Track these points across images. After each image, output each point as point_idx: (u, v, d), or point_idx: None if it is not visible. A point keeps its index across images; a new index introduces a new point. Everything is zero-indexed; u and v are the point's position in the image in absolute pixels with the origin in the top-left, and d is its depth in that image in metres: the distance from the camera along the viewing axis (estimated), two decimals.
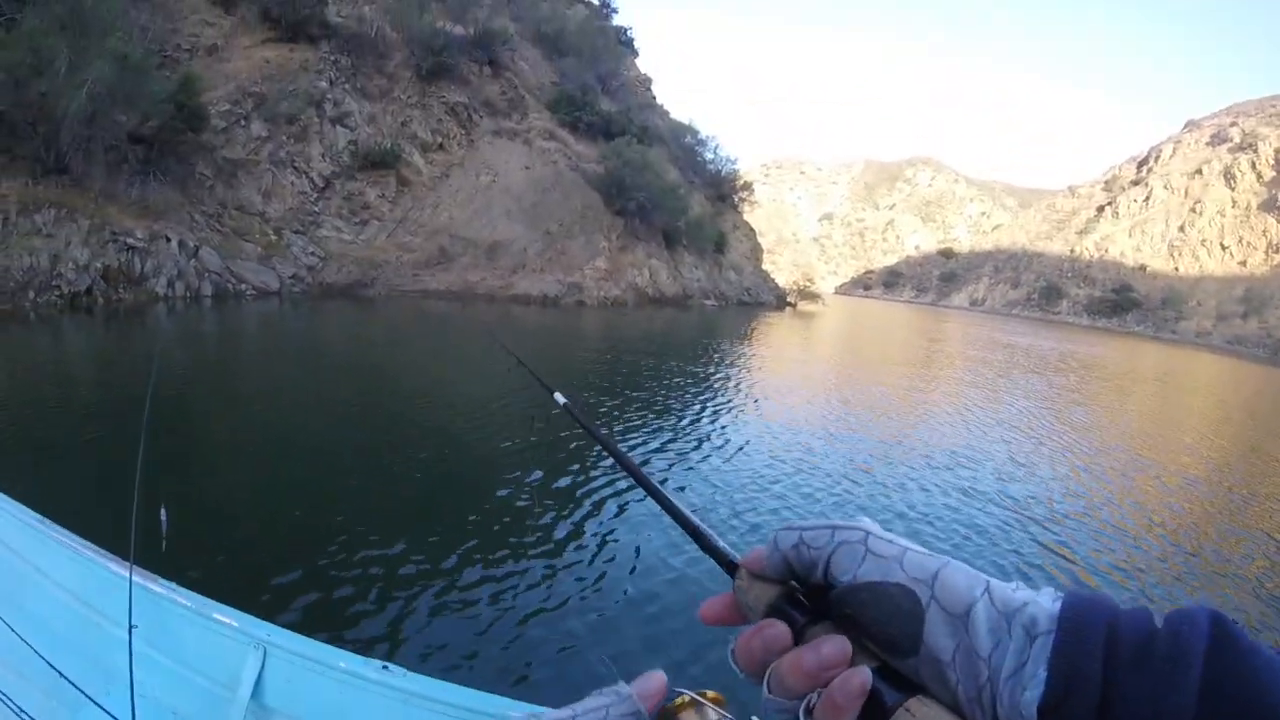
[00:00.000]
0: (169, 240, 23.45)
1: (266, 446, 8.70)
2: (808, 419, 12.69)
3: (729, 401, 13.71)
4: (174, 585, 2.24)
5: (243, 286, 25.42)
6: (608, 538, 6.49)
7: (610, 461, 6.47)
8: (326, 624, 4.43)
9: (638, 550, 6.22)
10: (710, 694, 0.62)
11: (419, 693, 1.87)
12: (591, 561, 5.97)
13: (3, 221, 19.30)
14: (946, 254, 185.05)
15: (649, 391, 13.75)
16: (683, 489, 8.00)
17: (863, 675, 0.44)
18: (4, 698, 2.12)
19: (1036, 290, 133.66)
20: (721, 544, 0.61)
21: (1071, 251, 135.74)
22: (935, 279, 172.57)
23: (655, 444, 9.90)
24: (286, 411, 10.74)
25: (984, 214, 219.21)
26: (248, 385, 12.75)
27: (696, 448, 9.99)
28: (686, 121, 60.28)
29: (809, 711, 0.45)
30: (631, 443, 9.82)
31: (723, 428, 11.31)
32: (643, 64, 69.87)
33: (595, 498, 7.44)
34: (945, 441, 12.17)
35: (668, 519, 0.67)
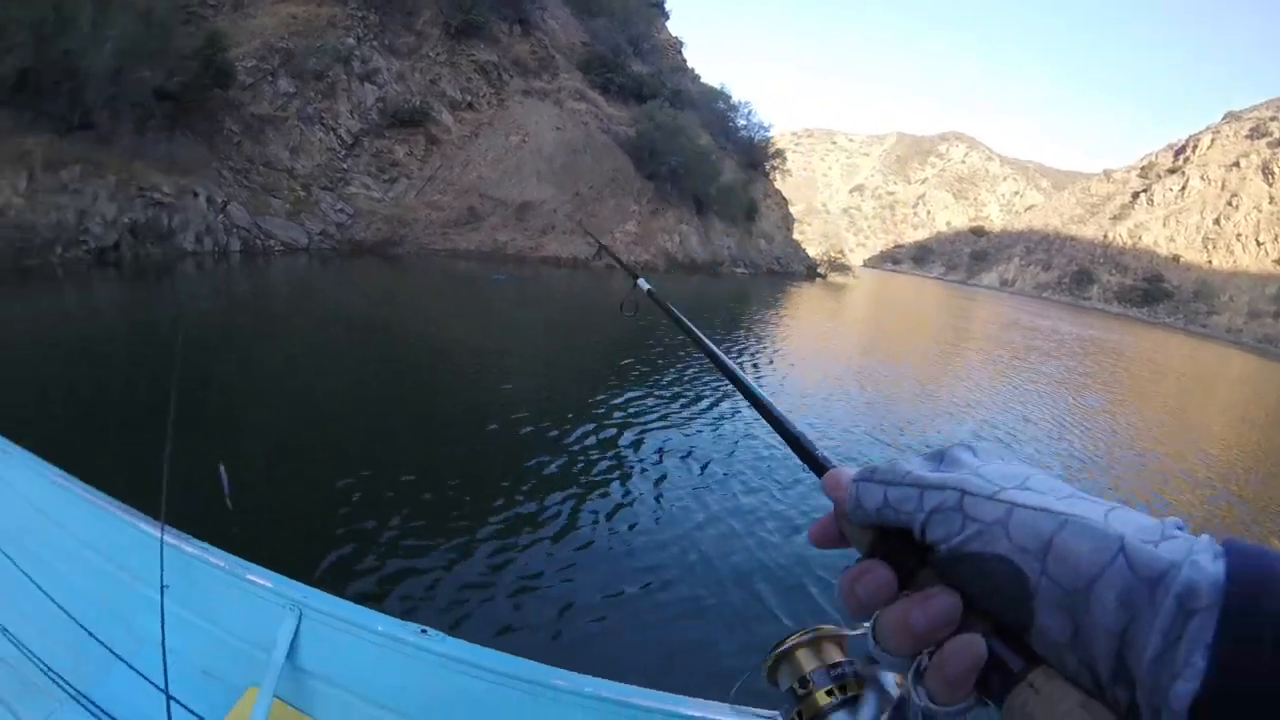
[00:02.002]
0: (197, 196, 23.14)
1: (294, 405, 8.62)
2: (819, 392, 12.40)
3: (753, 370, 13.29)
4: (206, 546, 2.21)
5: (271, 243, 25.13)
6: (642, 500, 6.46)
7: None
8: (359, 587, 4.42)
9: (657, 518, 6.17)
10: (828, 629, 0.58)
11: (457, 657, 1.82)
12: (604, 532, 5.83)
13: (29, 178, 18.99)
14: (978, 232, 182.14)
15: (679, 355, 13.42)
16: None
17: (976, 648, 0.39)
18: (32, 657, 2.16)
19: (1068, 274, 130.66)
20: (821, 453, 0.57)
21: (1104, 237, 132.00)
22: (966, 257, 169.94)
23: (682, 400, 9.85)
24: (315, 371, 10.68)
25: (1017, 193, 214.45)
26: (277, 343, 12.56)
27: (713, 408, 9.93)
28: (718, 86, 59.07)
29: (919, 673, 0.41)
30: (653, 404, 9.81)
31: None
32: (674, 27, 68.61)
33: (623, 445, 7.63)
34: (950, 424, 11.72)
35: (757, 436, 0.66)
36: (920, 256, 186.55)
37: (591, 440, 7.95)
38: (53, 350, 10.74)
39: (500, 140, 36.76)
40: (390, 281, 23.17)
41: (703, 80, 61.85)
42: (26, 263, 17.48)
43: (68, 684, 2.05)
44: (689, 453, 8.04)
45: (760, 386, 0.64)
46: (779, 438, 0.61)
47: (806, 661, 0.55)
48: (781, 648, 0.57)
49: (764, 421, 0.63)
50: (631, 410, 9.42)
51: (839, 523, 0.50)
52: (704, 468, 7.57)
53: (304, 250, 26.13)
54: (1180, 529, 0.38)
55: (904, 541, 0.45)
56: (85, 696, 1.99)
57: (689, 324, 0.87)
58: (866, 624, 0.45)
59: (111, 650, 2.11)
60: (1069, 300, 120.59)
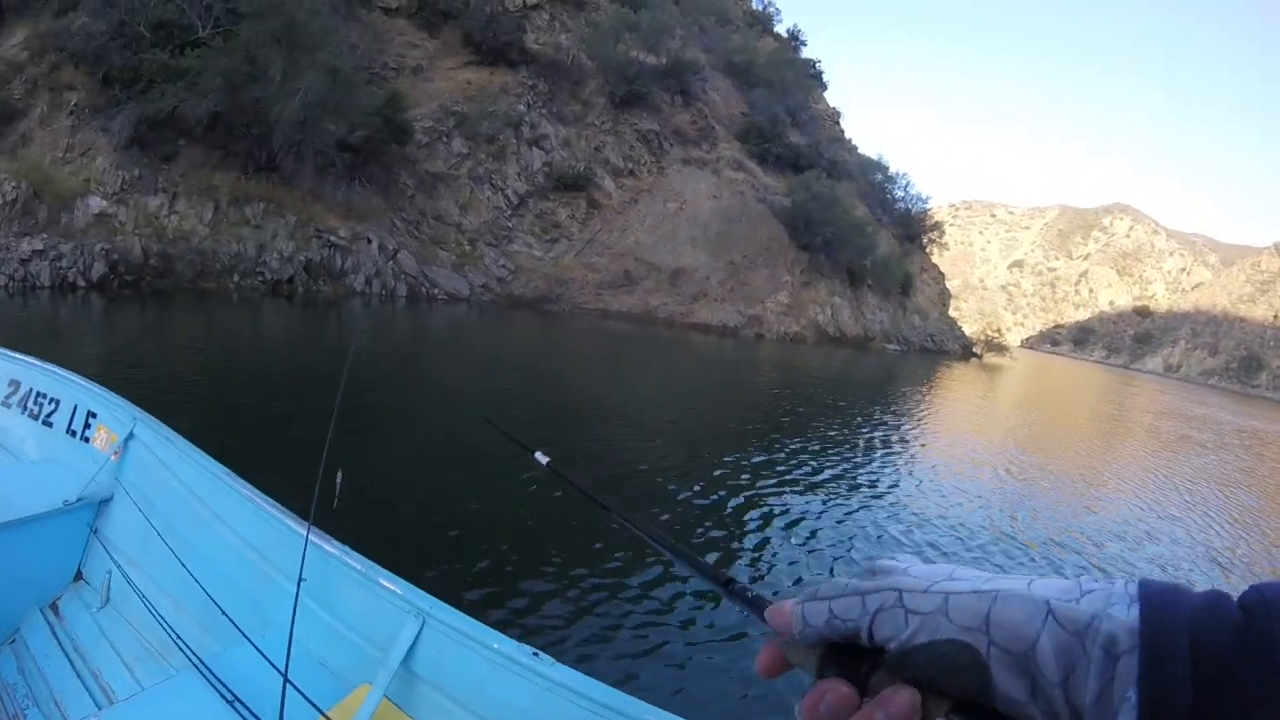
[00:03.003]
0: (370, 241, 24.56)
1: (441, 436, 9.11)
2: (953, 478, 11.51)
3: (895, 464, 12.39)
4: (346, 548, 2.31)
5: (435, 291, 26.29)
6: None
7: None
8: (474, 605, 4.45)
9: None
10: None
11: (564, 683, 1.84)
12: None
13: (214, 210, 20.78)
14: (1142, 312, 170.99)
15: (812, 439, 12.81)
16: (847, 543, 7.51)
17: None
18: (163, 623, 2.45)
19: (1236, 359, 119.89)
20: (754, 592, 0.60)
21: (1275, 318, 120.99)
22: (1128, 339, 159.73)
23: (809, 495, 9.12)
24: (464, 407, 11.09)
25: (1184, 270, 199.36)
26: (431, 379, 13.34)
27: (850, 499, 9.23)
28: (875, 157, 58.25)
29: None
30: (774, 470, 9.58)
31: (881, 493, 10.23)
32: (831, 97, 68.48)
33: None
34: (1084, 518, 10.73)
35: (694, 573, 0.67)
36: (1080, 338, 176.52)
37: (703, 498, 8.00)
38: (226, 362, 11.68)
39: (658, 207, 37.34)
40: (543, 335, 23.65)
41: (860, 151, 61.30)
42: (204, 285, 19.10)
43: (191, 652, 2.23)
44: (799, 521, 7.90)
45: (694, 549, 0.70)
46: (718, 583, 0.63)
47: None
48: None
49: (697, 573, 0.65)
50: (751, 474, 9.33)
51: (783, 650, 0.52)
52: (806, 538, 7.35)
53: (465, 300, 27.21)
54: (1095, 583, 0.43)
55: (852, 654, 0.48)
56: (205, 666, 2.11)
57: (595, 496, 0.92)
58: None
59: (240, 629, 2.22)
60: (1237, 388, 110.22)
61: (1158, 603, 0.40)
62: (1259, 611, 0.38)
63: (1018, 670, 0.41)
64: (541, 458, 1.24)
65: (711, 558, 6.30)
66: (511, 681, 1.91)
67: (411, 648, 2.06)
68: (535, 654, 1.92)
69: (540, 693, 1.86)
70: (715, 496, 8.13)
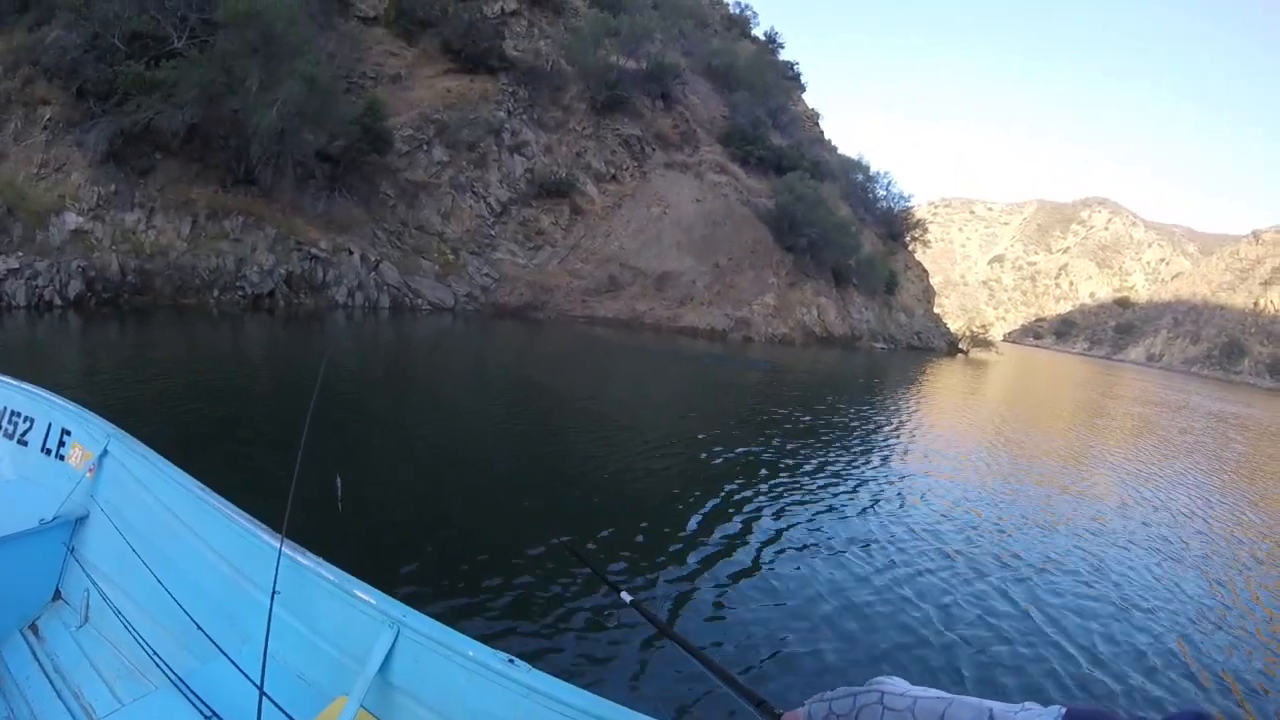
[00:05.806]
0: (351, 253, 24.30)
1: (420, 448, 8.93)
2: (925, 482, 10.97)
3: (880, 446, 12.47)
4: (320, 560, 2.31)
5: (419, 301, 26.08)
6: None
7: None
8: (452, 616, 4.34)
9: None
10: None
11: (540, 689, 1.83)
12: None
13: (192, 224, 20.45)
14: (1123, 303, 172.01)
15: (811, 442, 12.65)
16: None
17: None
18: (141, 640, 2.44)
19: (1217, 347, 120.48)
20: (780, 710, 0.78)
21: (1255, 305, 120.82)
22: (1110, 330, 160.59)
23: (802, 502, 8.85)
24: (446, 417, 11.08)
25: (1163, 260, 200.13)
26: (413, 390, 13.37)
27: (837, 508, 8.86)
28: (856, 157, 58.33)
29: None
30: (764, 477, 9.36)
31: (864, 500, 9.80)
32: (810, 99, 68.53)
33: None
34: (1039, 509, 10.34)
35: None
36: (1062, 331, 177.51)
37: (696, 503, 7.86)
38: (205, 376, 11.52)
39: (642, 211, 37.15)
40: (527, 342, 23.49)
41: (840, 151, 61.34)
42: (183, 301, 18.86)
43: (169, 668, 2.22)
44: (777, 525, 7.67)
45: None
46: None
47: None
48: None
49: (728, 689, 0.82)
50: (744, 483, 9.11)
51: None
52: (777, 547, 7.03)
53: (449, 310, 26.99)
54: (1034, 705, 0.58)
55: None
56: (183, 682, 2.11)
57: (675, 633, 0.99)
58: None
59: (216, 644, 2.25)
60: (1219, 375, 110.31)
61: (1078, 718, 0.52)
62: None
63: None
64: (626, 597, 1.28)
65: (671, 560, 6.18)
66: (488, 689, 1.92)
67: (387, 657, 2.07)
68: (511, 660, 1.91)
69: (517, 699, 1.86)
70: (692, 492, 8.17)
